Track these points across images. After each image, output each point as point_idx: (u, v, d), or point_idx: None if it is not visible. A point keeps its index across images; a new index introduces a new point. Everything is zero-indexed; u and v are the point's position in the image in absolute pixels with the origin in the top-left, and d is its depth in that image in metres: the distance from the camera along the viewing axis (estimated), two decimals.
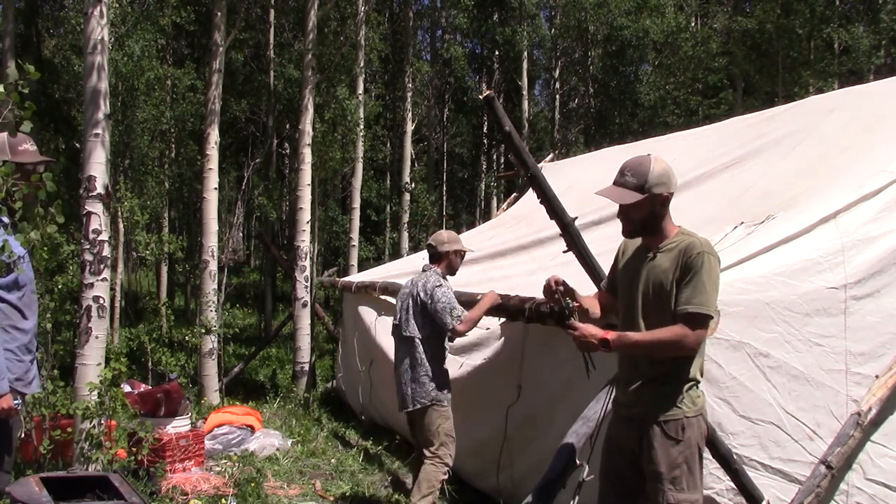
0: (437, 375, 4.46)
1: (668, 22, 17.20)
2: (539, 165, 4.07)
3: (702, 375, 2.86)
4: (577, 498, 3.12)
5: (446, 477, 4.45)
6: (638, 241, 2.96)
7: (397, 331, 4.67)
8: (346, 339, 8.15)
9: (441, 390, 4.46)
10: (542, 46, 20.98)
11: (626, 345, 2.73)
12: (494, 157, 22.62)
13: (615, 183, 2.84)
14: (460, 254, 4.70)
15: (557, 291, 2.91)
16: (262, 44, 15.13)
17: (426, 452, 4.44)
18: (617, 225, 2.99)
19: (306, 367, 9.03)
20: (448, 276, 4.66)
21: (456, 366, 5.03)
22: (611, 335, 2.70)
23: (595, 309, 3.06)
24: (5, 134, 3.20)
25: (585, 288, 3.71)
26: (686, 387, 2.76)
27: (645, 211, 2.79)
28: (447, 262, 4.65)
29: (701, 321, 2.64)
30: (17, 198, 3.01)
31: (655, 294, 2.77)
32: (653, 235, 2.85)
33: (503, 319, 4.57)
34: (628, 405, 2.86)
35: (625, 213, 2.85)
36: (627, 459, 2.87)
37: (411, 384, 4.47)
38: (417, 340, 4.49)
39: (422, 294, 4.48)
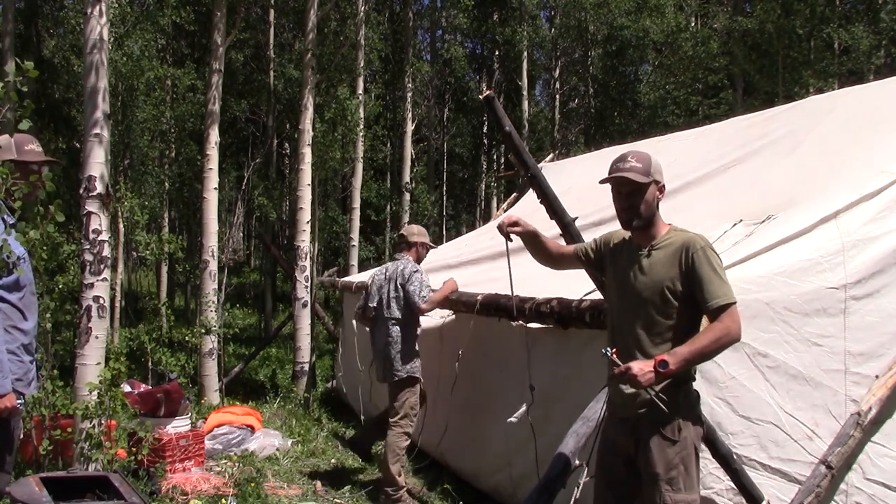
0: (409, 354, 4.92)
1: (668, 22, 17.21)
2: (539, 165, 4.07)
3: (695, 375, 2.86)
4: (576, 498, 3.12)
5: (407, 443, 4.93)
6: (622, 240, 2.97)
7: (377, 313, 5.06)
8: (346, 339, 8.14)
9: (412, 368, 4.92)
10: (542, 46, 20.95)
11: (684, 359, 2.62)
12: (494, 157, 22.61)
13: (620, 169, 2.83)
14: (427, 246, 5.24)
15: (507, 231, 3.07)
16: (262, 44, 15.13)
17: (390, 421, 4.94)
18: (616, 226, 2.99)
19: (306, 367, 9.02)
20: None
21: (456, 367, 5.03)
22: (665, 356, 2.60)
23: (557, 251, 3.16)
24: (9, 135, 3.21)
25: (584, 285, 3.71)
26: (681, 387, 2.76)
27: (649, 197, 2.81)
28: (415, 251, 5.15)
29: (732, 309, 2.67)
30: (17, 197, 3.02)
31: (655, 291, 2.76)
32: (646, 232, 2.85)
33: (503, 320, 4.57)
34: (623, 406, 2.85)
35: (630, 200, 2.82)
36: (623, 460, 2.87)
37: (388, 360, 4.95)
38: (394, 322, 4.96)
39: (400, 279, 4.94)
